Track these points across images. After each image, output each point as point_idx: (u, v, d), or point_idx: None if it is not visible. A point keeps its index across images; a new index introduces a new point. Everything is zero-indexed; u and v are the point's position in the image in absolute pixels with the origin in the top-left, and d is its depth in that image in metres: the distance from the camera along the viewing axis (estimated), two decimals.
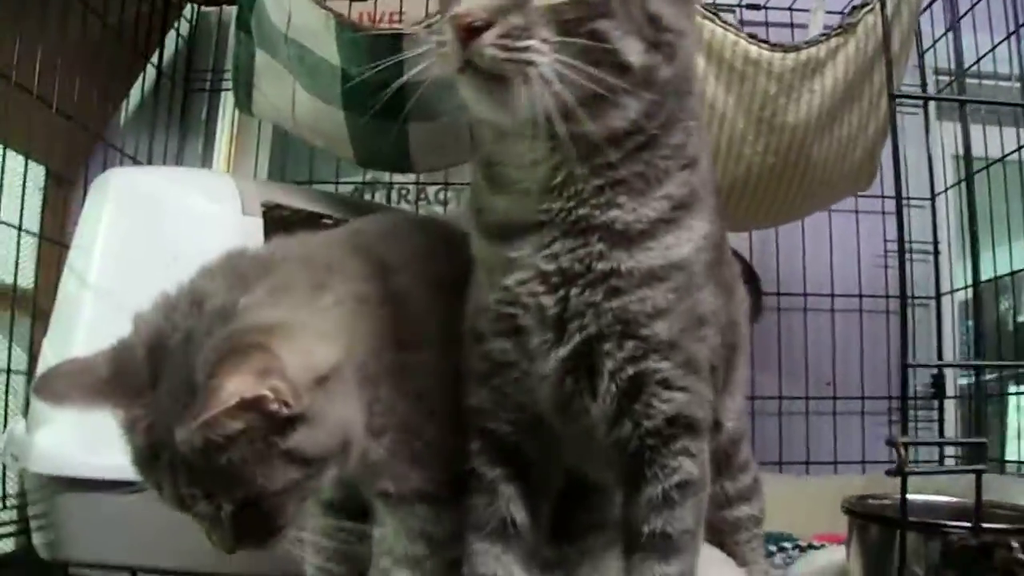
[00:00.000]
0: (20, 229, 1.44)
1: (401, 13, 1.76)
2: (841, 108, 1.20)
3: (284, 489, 0.63)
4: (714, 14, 1.13)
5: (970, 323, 1.90)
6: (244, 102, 1.31)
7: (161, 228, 1.16)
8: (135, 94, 1.90)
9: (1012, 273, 1.64)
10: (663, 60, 0.65)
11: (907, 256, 1.87)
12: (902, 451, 0.68)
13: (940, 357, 1.74)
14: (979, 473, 0.72)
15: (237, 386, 0.57)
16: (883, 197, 1.84)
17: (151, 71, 1.88)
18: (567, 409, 0.73)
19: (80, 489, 1.04)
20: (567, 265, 0.69)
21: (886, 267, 1.89)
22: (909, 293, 1.87)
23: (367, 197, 1.91)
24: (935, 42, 1.81)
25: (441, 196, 1.94)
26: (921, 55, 1.88)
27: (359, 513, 0.84)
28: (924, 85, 1.89)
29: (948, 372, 1.85)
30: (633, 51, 0.63)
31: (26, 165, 1.56)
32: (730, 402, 0.89)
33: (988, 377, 1.78)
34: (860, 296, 1.87)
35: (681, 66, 0.68)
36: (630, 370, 0.70)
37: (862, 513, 0.83)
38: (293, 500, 0.65)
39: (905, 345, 0.85)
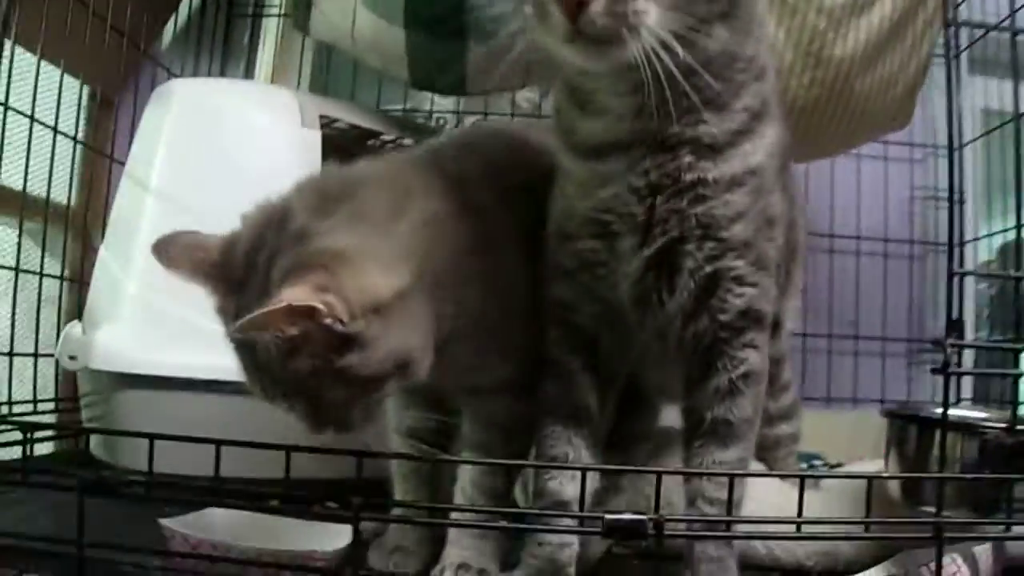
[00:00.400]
0: (76, 142, 1.46)
1: None
2: (885, 46, 1.23)
3: (346, 401, 0.68)
4: None
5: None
6: (302, 22, 1.34)
7: (222, 137, 1.21)
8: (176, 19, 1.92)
9: None
10: None
11: (933, 203, 1.95)
12: (948, 351, 0.72)
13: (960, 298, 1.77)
14: (1016, 377, 0.76)
15: (291, 294, 0.61)
16: (912, 145, 1.88)
17: None
18: (647, 304, 0.78)
19: (140, 387, 1.10)
20: (656, 179, 0.74)
21: (911, 213, 1.92)
22: (932, 239, 1.92)
23: None
24: None
25: None
26: (956, 7, 1.89)
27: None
28: (957, 37, 1.89)
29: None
30: None
31: (81, 88, 1.59)
32: (788, 304, 0.94)
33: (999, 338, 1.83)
34: (885, 240, 1.90)
35: None
36: (708, 268, 0.76)
37: (904, 415, 0.88)
38: (358, 408, 0.69)
39: (951, 252, 0.89)
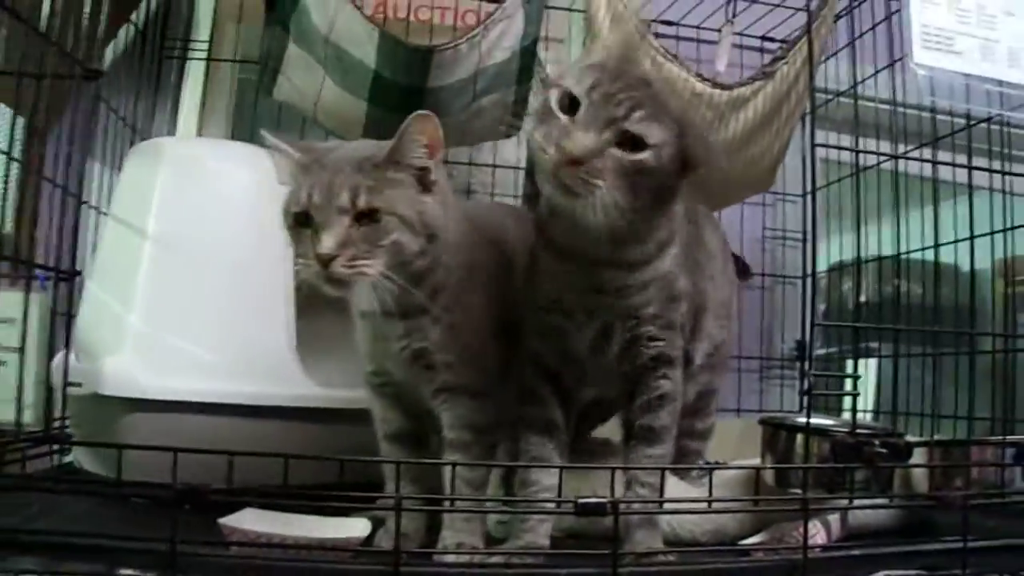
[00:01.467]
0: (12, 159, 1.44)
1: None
2: (756, 132, 1.56)
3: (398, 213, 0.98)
4: (673, 56, 1.46)
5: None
6: (268, 86, 1.52)
7: (209, 192, 1.38)
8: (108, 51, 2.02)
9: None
10: None
11: (783, 242, 2.32)
12: (810, 379, 1.03)
13: (804, 325, 2.15)
14: (855, 396, 1.08)
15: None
16: (764, 192, 2.24)
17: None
18: (595, 352, 1.09)
19: (147, 410, 1.25)
20: (595, 283, 1.05)
21: (763, 250, 2.29)
22: (780, 272, 2.30)
23: None
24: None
25: None
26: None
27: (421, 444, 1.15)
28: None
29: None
30: None
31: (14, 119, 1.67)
32: (699, 346, 1.24)
33: (831, 350, 2.23)
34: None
35: None
36: (629, 333, 1.07)
37: (775, 424, 1.19)
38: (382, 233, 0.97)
39: (814, 307, 1.20)
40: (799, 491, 1.09)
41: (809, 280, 1.99)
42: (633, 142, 0.95)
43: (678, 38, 2.18)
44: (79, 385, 1.30)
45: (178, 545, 0.89)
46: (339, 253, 0.94)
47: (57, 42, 1.02)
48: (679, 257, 1.09)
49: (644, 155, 0.95)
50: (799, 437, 1.15)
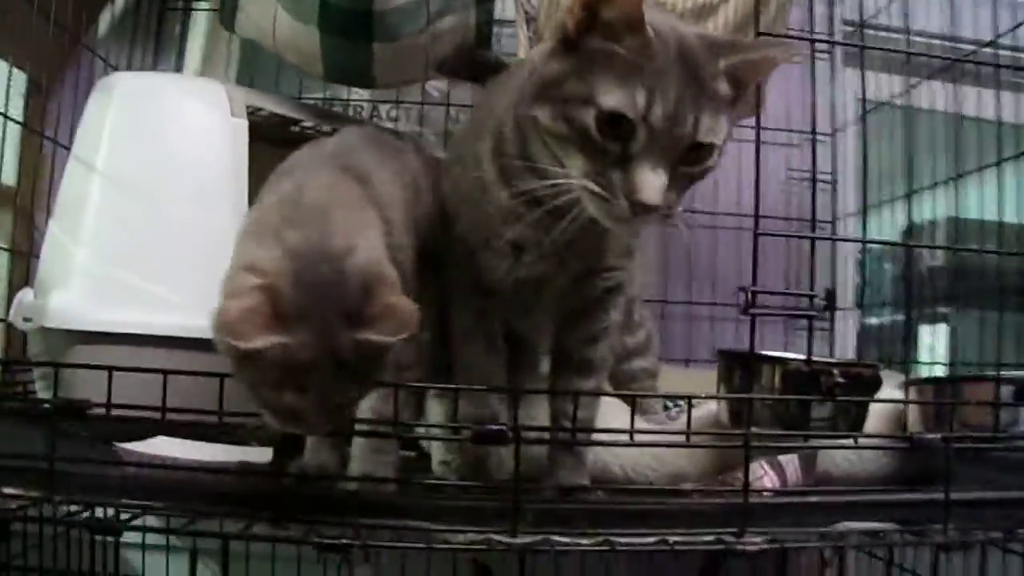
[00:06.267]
0: (15, 123, 1.51)
1: None
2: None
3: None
4: None
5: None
6: (229, 21, 1.47)
7: (160, 126, 1.34)
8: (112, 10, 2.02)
9: None
10: None
11: (807, 184, 2.16)
12: (750, 295, 0.92)
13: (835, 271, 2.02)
14: (811, 319, 0.97)
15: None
16: (790, 131, 2.09)
17: None
18: (539, 286, 0.99)
19: (89, 342, 1.23)
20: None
21: (789, 192, 2.15)
22: (807, 217, 2.14)
23: None
24: None
25: (392, 113, 2.14)
26: (831, 3, 2.14)
27: None
28: (832, 32, 2.14)
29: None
30: None
31: (10, 72, 1.67)
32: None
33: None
34: (764, 218, 2.10)
35: None
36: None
37: (727, 353, 1.08)
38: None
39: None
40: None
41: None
42: (700, 149, 0.82)
43: None
44: (30, 320, 1.31)
45: (56, 464, 0.87)
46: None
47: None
48: None
49: (711, 160, 0.85)
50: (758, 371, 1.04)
